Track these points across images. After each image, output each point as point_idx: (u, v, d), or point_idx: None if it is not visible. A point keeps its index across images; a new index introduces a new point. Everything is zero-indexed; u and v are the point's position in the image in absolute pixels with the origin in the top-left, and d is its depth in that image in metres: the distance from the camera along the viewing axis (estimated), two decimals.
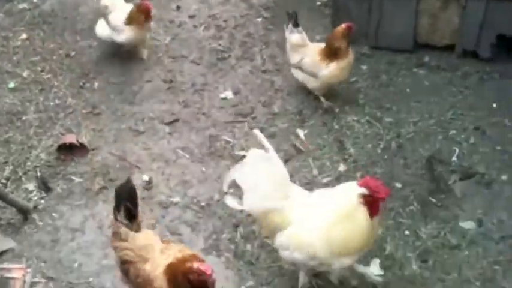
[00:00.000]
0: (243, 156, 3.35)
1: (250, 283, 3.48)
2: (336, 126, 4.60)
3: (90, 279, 3.52)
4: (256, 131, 3.20)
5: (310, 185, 4.13)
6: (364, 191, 2.78)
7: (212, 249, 3.68)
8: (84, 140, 4.44)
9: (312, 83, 4.67)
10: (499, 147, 4.22)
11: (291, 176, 4.13)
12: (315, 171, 4.22)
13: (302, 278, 3.25)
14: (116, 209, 2.97)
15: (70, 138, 4.39)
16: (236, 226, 3.80)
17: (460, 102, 4.68)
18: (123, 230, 2.96)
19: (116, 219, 2.98)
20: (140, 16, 5.05)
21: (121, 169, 4.27)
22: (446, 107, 4.64)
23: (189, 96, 4.97)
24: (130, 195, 2.96)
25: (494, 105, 4.62)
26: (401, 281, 3.46)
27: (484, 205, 3.81)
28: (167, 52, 5.50)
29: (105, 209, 3.92)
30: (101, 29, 5.26)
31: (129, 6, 5.16)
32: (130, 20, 5.05)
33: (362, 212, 2.82)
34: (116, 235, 2.99)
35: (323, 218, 2.89)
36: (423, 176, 4.07)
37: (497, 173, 4.02)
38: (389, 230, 3.74)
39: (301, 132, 4.56)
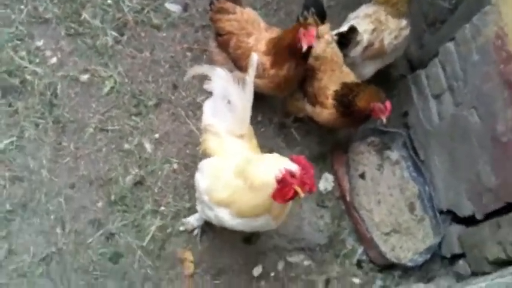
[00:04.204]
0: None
1: None
2: None
3: None
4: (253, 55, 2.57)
5: None
6: (286, 169, 2.19)
7: None
8: None
9: None
10: None
11: None
12: None
13: (197, 217, 2.98)
14: None
15: None
16: None
17: None
18: (230, 4, 3.02)
19: None
20: None
21: None
22: None
23: None
24: None
25: None
26: (91, 49, 3.33)
27: None
28: None
29: None
30: None
31: None
32: None
33: (270, 188, 2.25)
34: (222, 10, 3.02)
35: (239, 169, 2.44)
36: None
37: None
38: None
39: None
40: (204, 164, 2.68)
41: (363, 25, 3.25)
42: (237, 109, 2.60)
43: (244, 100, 2.57)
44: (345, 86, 3.03)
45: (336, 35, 3.22)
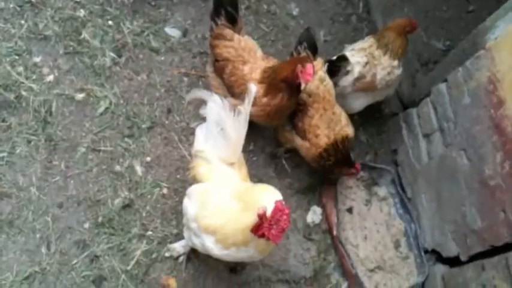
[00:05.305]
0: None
1: None
2: None
3: None
4: (252, 86, 2.57)
5: None
6: (267, 210, 2.22)
7: None
8: None
9: None
10: None
11: None
12: None
13: (183, 244, 2.99)
14: (215, 14, 3.03)
15: None
16: None
17: None
18: (228, 31, 3.03)
19: (216, 23, 3.04)
20: None
21: None
22: None
23: None
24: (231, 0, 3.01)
25: None
26: (88, 69, 3.35)
27: (195, 17, 3.75)
28: None
29: None
30: None
31: None
32: None
33: (251, 220, 2.30)
34: (220, 36, 3.04)
35: (227, 197, 2.50)
36: None
37: None
38: (92, 15, 3.48)
39: None
40: (193, 190, 2.68)
41: (357, 57, 3.31)
42: (230, 138, 2.61)
43: (238, 129, 2.58)
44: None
45: (325, 62, 3.27)
